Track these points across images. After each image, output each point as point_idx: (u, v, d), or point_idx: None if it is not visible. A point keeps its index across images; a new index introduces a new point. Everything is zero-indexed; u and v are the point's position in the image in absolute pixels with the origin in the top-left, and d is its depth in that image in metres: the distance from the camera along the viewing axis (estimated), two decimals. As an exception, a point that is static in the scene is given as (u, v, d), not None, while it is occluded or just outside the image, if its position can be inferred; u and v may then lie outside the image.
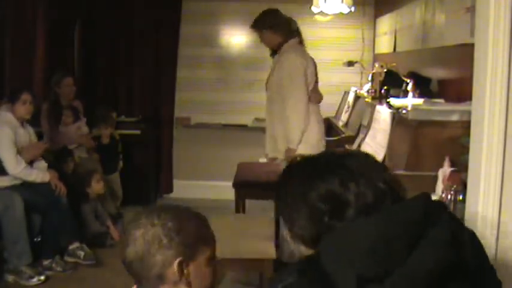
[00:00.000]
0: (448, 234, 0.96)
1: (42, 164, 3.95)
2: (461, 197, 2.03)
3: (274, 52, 3.75)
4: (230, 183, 4.39)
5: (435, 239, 0.94)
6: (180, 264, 1.35)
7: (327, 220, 1.03)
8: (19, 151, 3.74)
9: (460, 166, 2.16)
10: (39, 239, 3.89)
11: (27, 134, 3.91)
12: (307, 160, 1.15)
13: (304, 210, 1.07)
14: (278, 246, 3.65)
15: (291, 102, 3.52)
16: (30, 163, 3.86)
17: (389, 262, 0.91)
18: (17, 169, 3.71)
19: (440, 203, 1.04)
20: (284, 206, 1.13)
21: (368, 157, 1.13)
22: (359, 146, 3.32)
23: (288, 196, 1.11)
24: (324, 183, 1.05)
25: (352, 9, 4.87)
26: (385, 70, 3.78)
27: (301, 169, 1.13)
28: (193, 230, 1.43)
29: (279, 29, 3.62)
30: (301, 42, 3.72)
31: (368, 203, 1.02)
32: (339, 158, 1.12)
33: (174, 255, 1.35)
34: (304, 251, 1.10)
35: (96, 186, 4.28)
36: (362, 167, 1.06)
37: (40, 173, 3.84)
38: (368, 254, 0.92)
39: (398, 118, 2.75)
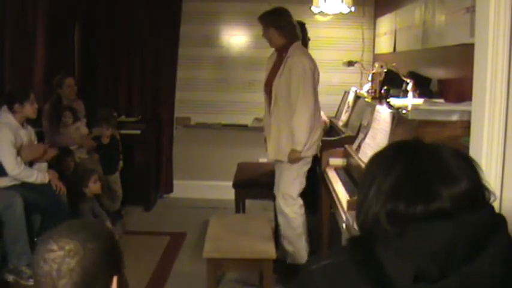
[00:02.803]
0: (507, 250, 0.97)
1: (43, 164, 3.95)
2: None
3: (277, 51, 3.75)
4: (230, 183, 4.39)
5: (495, 253, 0.95)
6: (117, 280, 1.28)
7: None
8: (19, 152, 3.74)
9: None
10: (39, 239, 3.89)
11: (28, 135, 3.91)
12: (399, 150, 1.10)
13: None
14: (278, 246, 3.65)
15: (300, 107, 3.54)
16: (31, 163, 3.86)
17: (448, 266, 0.93)
18: (17, 170, 3.71)
19: (502, 217, 1.03)
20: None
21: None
22: (359, 146, 3.32)
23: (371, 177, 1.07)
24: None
25: (352, 9, 4.87)
26: (385, 70, 3.77)
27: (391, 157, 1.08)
28: (117, 244, 1.34)
29: (283, 31, 3.63)
30: (306, 45, 3.73)
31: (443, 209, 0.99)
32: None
33: (111, 275, 1.28)
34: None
35: (94, 187, 4.28)
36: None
37: (40, 174, 3.84)
38: (431, 257, 0.93)
39: (398, 118, 2.75)
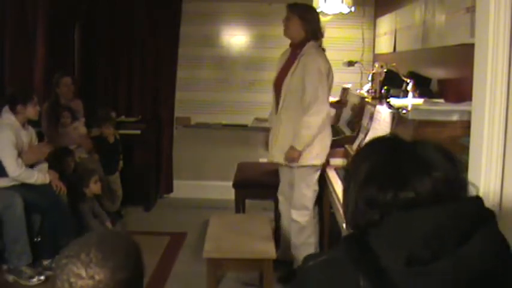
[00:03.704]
0: (497, 239, 1.00)
1: (43, 165, 3.94)
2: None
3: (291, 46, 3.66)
4: (230, 183, 4.39)
5: (485, 240, 0.97)
6: None
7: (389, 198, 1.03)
8: (20, 154, 3.74)
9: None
10: (39, 239, 3.89)
11: (29, 135, 3.90)
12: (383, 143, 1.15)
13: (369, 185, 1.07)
14: (278, 246, 3.65)
15: (316, 109, 3.41)
16: (31, 164, 3.85)
17: (440, 249, 0.95)
18: (18, 172, 3.70)
19: (490, 210, 1.05)
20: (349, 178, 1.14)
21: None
22: (359, 146, 3.32)
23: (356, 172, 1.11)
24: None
25: (352, 9, 4.87)
26: (385, 70, 3.78)
27: (377, 150, 1.13)
28: (143, 268, 1.33)
29: (306, 24, 3.52)
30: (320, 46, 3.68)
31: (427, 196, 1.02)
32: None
33: None
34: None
35: (94, 187, 4.28)
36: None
37: (40, 175, 3.84)
38: (422, 241, 0.95)
39: (398, 118, 2.76)
